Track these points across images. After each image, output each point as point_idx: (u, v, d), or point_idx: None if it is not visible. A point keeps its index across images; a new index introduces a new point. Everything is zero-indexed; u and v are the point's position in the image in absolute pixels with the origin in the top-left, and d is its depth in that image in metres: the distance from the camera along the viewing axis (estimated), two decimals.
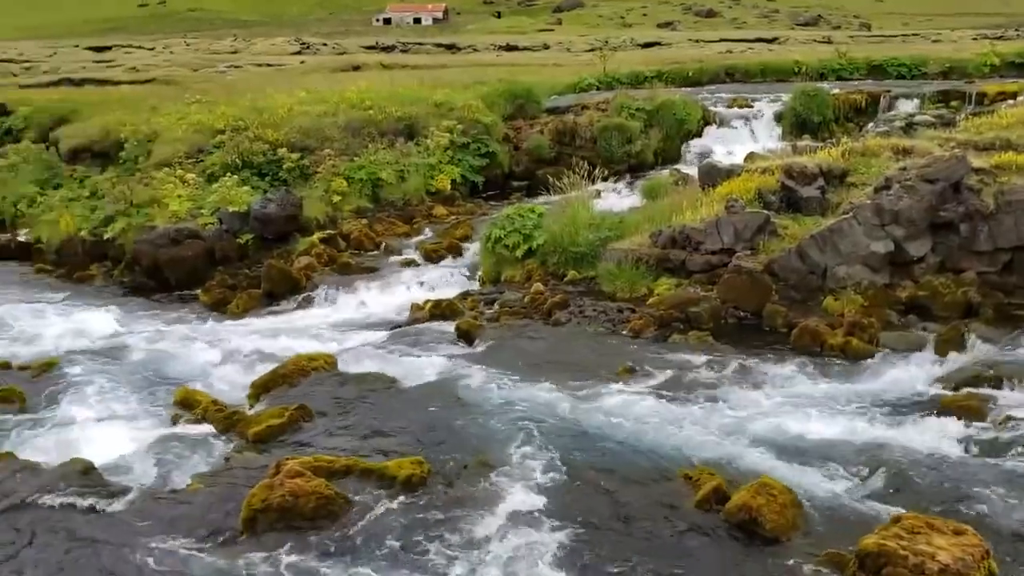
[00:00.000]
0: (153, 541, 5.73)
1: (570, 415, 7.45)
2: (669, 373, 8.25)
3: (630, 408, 7.54)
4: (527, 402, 7.71)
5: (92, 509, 6.11)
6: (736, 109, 18.96)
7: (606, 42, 46.07)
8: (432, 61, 34.75)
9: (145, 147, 16.67)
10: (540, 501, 6.17)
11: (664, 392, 7.86)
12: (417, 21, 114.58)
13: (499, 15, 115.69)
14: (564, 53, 42.08)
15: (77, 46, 68.43)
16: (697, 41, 48.22)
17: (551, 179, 13.16)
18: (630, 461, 6.67)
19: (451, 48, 53.41)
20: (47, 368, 9.33)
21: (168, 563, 5.50)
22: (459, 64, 31.30)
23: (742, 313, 9.60)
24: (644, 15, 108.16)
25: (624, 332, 9.40)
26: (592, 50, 38.85)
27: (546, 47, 50.92)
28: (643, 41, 49.01)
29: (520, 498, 6.21)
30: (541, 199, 13.63)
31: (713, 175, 11.78)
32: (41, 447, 7.37)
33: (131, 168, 16.12)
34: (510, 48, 50.83)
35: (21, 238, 15.64)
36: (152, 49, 61.91)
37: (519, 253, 11.31)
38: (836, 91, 18.83)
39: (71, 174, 17.35)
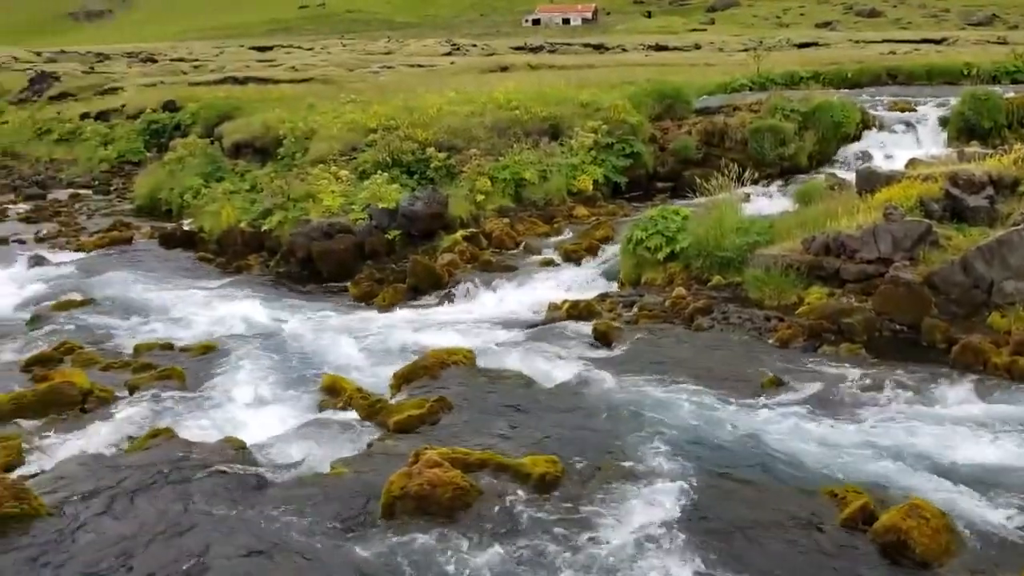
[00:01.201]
0: (298, 520, 5.95)
1: (710, 424, 7.26)
2: (817, 386, 7.91)
3: (773, 420, 7.27)
4: (665, 408, 7.56)
5: (243, 486, 6.39)
6: (898, 113, 18.07)
7: (760, 42, 44.83)
8: (579, 61, 34.77)
9: (302, 144, 17.40)
10: (675, 509, 6.03)
11: (811, 405, 7.54)
12: (566, 22, 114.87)
13: (649, 15, 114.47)
14: (716, 53, 41.28)
15: (242, 46, 72.32)
16: (857, 42, 46.32)
17: (698, 181, 12.89)
18: (771, 474, 6.44)
19: (599, 48, 53.31)
20: (206, 350, 9.86)
21: (312, 542, 5.69)
22: (607, 64, 31.20)
23: (898, 326, 9.11)
24: (802, 15, 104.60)
25: (770, 341, 9.09)
26: (746, 50, 37.88)
27: (697, 47, 50.09)
28: (800, 41, 47.48)
29: (654, 505, 6.10)
30: (686, 201, 13.39)
31: (871, 181, 11.26)
32: (198, 424, 7.79)
33: (289, 164, 16.87)
34: (660, 48, 50.26)
35: (186, 227, 16.60)
36: (311, 49, 64.70)
37: (661, 256, 11.12)
38: (1010, 95, 17.63)
39: (233, 168, 18.33)
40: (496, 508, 6.07)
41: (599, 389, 8.03)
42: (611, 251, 12.51)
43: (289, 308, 11.80)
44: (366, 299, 12.02)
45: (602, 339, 9.34)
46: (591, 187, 15.87)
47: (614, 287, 11.50)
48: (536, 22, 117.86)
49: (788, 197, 14.24)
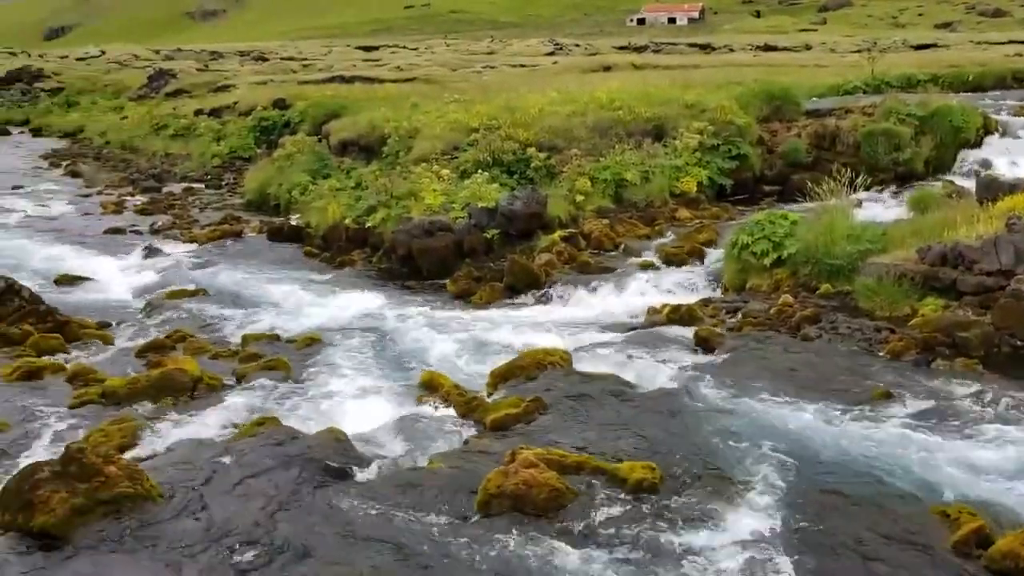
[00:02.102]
0: (396, 511, 6.03)
1: (815, 436, 7.03)
2: (929, 401, 7.58)
3: (882, 435, 6.99)
4: (768, 418, 7.37)
5: (343, 476, 6.51)
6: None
7: (875, 43, 43.37)
8: (685, 61, 34.31)
9: (406, 143, 17.66)
10: (775, 522, 5.87)
11: (922, 421, 7.22)
12: (672, 21, 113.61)
13: (758, 14, 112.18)
14: (828, 54, 40.14)
15: (349, 45, 74.02)
16: (980, 43, 44.31)
17: (807, 185, 12.53)
18: (878, 491, 6.19)
19: (705, 48, 52.53)
20: (310, 342, 10.10)
21: (409, 533, 5.76)
22: (713, 64, 30.69)
23: (1019, 342, 8.64)
24: (920, 15, 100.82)
25: (881, 353, 8.75)
26: (859, 51, 36.69)
27: (808, 48, 48.83)
28: (917, 42, 45.75)
29: (753, 516, 5.95)
30: (794, 206, 13.03)
31: (993, 189, 10.73)
32: (302, 414, 7.98)
33: (393, 162, 17.14)
34: (768, 48, 49.19)
35: (293, 222, 17.04)
36: (415, 49, 65.77)
37: (767, 261, 10.84)
38: None
39: (339, 165, 18.73)
40: (591, 512, 6.02)
41: (700, 396, 7.87)
42: (715, 255, 12.27)
43: (389, 303, 11.98)
44: (464, 297, 12.10)
45: (704, 345, 9.16)
46: (695, 189, 15.60)
47: (717, 292, 11.27)
48: (641, 21, 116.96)
49: (902, 204, 13.72)
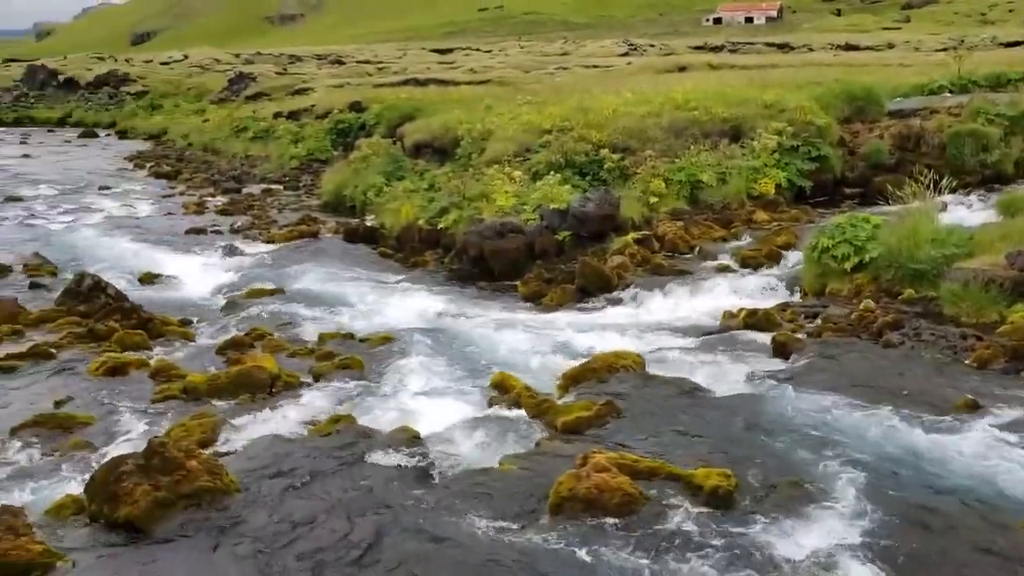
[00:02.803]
0: (467, 511, 6.04)
1: (896, 446, 6.81)
2: (1018, 411, 7.26)
3: (968, 446, 6.73)
4: (848, 426, 7.16)
5: (416, 475, 6.56)
6: None
7: (961, 41, 41.97)
8: (762, 61, 33.72)
9: (479, 144, 17.74)
10: (854, 535, 5.70)
11: (1010, 432, 6.92)
12: (749, 20, 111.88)
13: (839, 13, 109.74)
14: (912, 53, 39.04)
15: (423, 48, 74.78)
16: None
17: (889, 187, 12.17)
18: (963, 504, 5.96)
19: (783, 47, 51.60)
20: (383, 341, 10.20)
21: (479, 534, 5.77)
22: (791, 64, 30.10)
23: None
24: (1010, 11, 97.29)
25: (967, 361, 8.43)
26: (945, 49, 35.55)
27: (891, 46, 47.58)
28: (1008, 40, 44.11)
29: (833, 528, 5.78)
30: (876, 209, 12.67)
31: None
32: (375, 413, 8.06)
33: (465, 164, 17.24)
34: (849, 47, 48.08)
35: (368, 223, 17.27)
36: (489, 51, 66.08)
37: (848, 266, 10.56)
38: None
39: (413, 167, 18.92)
40: (664, 518, 5.93)
41: (777, 403, 7.70)
42: (793, 259, 12.00)
43: (461, 304, 12.04)
44: (535, 298, 12.08)
45: (781, 351, 8.96)
46: (773, 191, 15.27)
47: (795, 297, 11.01)
48: (717, 21, 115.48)
49: (990, 207, 13.22)
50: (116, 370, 9.29)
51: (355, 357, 9.47)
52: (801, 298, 10.91)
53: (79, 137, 44.55)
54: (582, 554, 5.56)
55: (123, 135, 45.90)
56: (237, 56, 71.95)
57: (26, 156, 35.10)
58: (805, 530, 5.78)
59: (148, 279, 14.03)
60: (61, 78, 60.89)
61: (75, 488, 6.55)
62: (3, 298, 11.63)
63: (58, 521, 6.10)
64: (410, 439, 7.07)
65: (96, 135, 45.91)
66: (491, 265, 13.37)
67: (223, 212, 20.46)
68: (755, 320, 9.85)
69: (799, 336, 9.29)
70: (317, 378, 9.01)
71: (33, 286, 13.45)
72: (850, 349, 8.89)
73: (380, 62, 58.06)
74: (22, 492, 6.66)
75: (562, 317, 11.13)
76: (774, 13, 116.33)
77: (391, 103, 26.13)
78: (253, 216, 19.62)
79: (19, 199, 23.27)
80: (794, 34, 79.12)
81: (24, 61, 76.43)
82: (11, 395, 8.86)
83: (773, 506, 6.05)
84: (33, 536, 5.52)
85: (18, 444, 7.56)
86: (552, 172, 14.96)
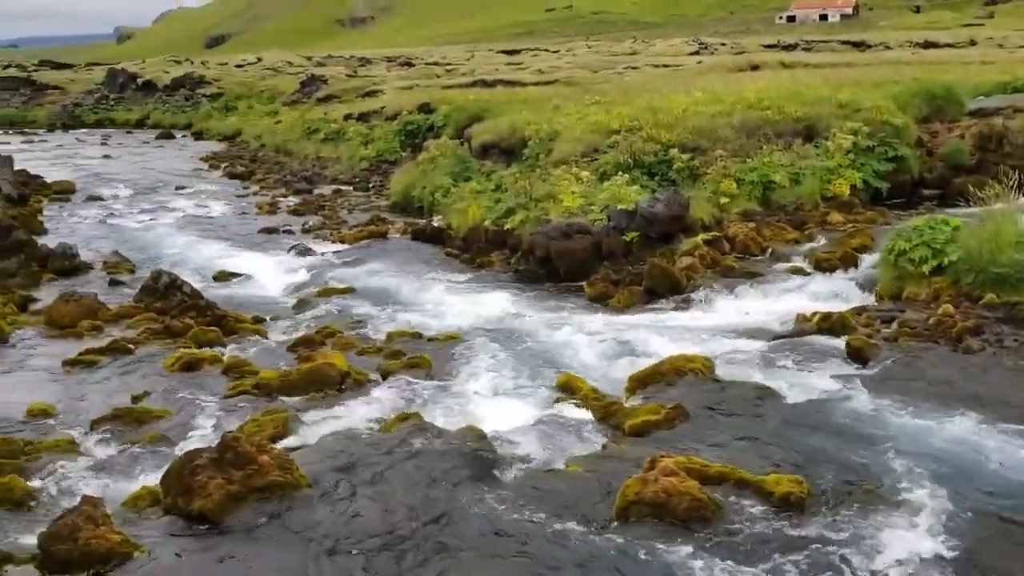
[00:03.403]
0: (533, 512, 6.03)
1: (976, 454, 6.58)
2: None
3: None
4: (926, 434, 6.95)
5: (483, 475, 6.56)
6: None
7: None
8: (837, 59, 32.98)
9: (546, 145, 17.69)
10: (932, 545, 5.53)
11: None
12: (823, 18, 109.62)
13: (918, 9, 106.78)
14: (995, 50, 37.74)
15: (491, 49, 75.09)
16: None
17: (970, 189, 11.76)
18: None
19: (859, 45, 50.43)
20: (450, 341, 10.26)
21: (545, 535, 5.75)
22: (868, 62, 29.37)
23: None
24: None
25: None
26: None
27: (972, 43, 46.09)
28: None
29: (911, 540, 5.61)
30: (956, 210, 12.27)
31: None
32: (442, 411, 8.11)
33: (532, 164, 17.20)
34: (928, 45, 46.72)
35: (435, 224, 17.39)
36: (556, 52, 66.00)
37: (926, 269, 10.24)
38: None
39: (480, 168, 18.97)
40: (734, 525, 5.83)
41: (851, 409, 7.51)
42: (869, 261, 11.67)
43: (527, 305, 12.04)
44: (601, 300, 12.01)
45: (856, 356, 8.73)
46: (848, 192, 14.89)
47: (871, 300, 10.71)
48: (791, 19, 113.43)
49: None
50: (191, 366, 9.52)
51: (423, 356, 9.54)
52: (877, 302, 10.62)
53: (156, 138, 45.86)
54: (648, 559, 5.50)
55: (199, 136, 47.10)
56: (309, 58, 73.30)
57: (106, 157, 36.26)
58: (879, 539, 5.62)
59: (222, 277, 14.36)
60: (140, 81, 62.78)
61: (151, 480, 6.73)
62: (84, 295, 12.02)
63: (135, 512, 6.28)
64: (476, 438, 7.08)
65: (173, 136, 47.21)
66: (557, 266, 13.32)
67: (295, 212, 20.83)
68: (829, 324, 9.62)
69: (875, 341, 9.04)
70: (385, 376, 9.10)
71: (112, 283, 13.88)
72: (928, 355, 8.62)
73: (449, 64, 58.49)
74: (101, 483, 6.87)
75: (629, 319, 11.04)
76: (849, 10, 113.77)
77: (459, 104, 26.25)
78: (324, 216, 19.93)
79: (99, 198, 24.05)
80: (870, 32, 77.22)
81: (105, 64, 79.06)
82: (91, 389, 9.15)
83: (846, 514, 5.91)
84: (112, 526, 5.68)
85: (98, 436, 7.81)
86: (620, 172, 14.84)
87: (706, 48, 60.13)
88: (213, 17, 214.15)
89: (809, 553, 5.50)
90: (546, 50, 70.18)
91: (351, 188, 24.43)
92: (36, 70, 73.34)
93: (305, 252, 16.03)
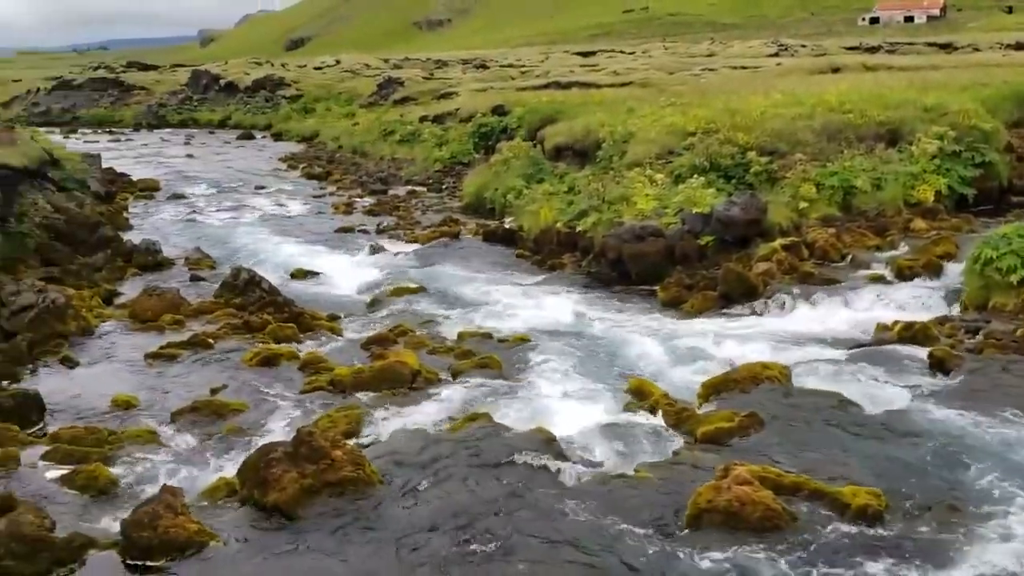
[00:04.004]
0: (601, 518, 5.99)
1: None
2: None
3: None
4: (1011, 449, 6.70)
5: (550, 477, 6.55)
6: None
7: None
8: (923, 62, 32.00)
9: (620, 147, 17.56)
10: (1017, 564, 5.31)
11: None
12: (909, 19, 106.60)
13: (1010, 10, 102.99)
14: None
15: (566, 51, 74.96)
16: None
17: None
18: None
19: (947, 47, 48.90)
20: (520, 342, 10.27)
21: (613, 541, 5.71)
22: (955, 65, 28.43)
23: None
24: None
25: None
26: None
27: None
28: None
29: (990, 555, 5.44)
30: None
31: None
32: (511, 412, 8.11)
33: (606, 167, 17.10)
34: (1020, 47, 44.99)
35: (507, 225, 17.44)
36: (632, 53, 65.54)
37: (1014, 279, 9.85)
38: None
39: (553, 170, 18.94)
40: (808, 536, 5.71)
41: (932, 422, 7.27)
42: (953, 270, 11.27)
43: (598, 307, 11.97)
44: (674, 304, 11.87)
45: (939, 367, 8.44)
46: (932, 198, 14.40)
47: (955, 310, 10.35)
48: (874, 20, 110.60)
49: None
50: (268, 361, 9.73)
51: (493, 356, 9.57)
52: (961, 312, 10.26)
53: (237, 139, 46.99)
54: (719, 568, 5.43)
55: (278, 137, 48.08)
56: (386, 61, 74.23)
57: (189, 156, 37.33)
58: (960, 557, 5.45)
59: (299, 275, 14.64)
60: (222, 82, 64.37)
61: (228, 472, 6.90)
62: (166, 290, 12.39)
63: (212, 502, 6.44)
64: (545, 440, 7.07)
65: (253, 137, 48.32)
66: (630, 269, 13.21)
67: (370, 212, 21.12)
68: (911, 333, 9.34)
69: (958, 352, 8.75)
70: (456, 375, 9.16)
71: (193, 279, 14.28)
72: (1014, 367, 8.30)
73: (523, 65, 58.60)
74: (180, 473, 7.07)
75: (703, 324, 10.89)
76: (937, 11, 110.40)
77: (533, 106, 26.25)
78: (398, 217, 20.16)
79: (182, 196, 24.77)
80: (958, 33, 74.79)
81: (189, 66, 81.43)
82: (172, 381, 9.43)
83: (926, 530, 5.74)
84: (190, 516, 5.84)
85: (178, 428, 8.04)
86: (695, 175, 14.65)
87: (786, 50, 58.99)
88: (294, 20, 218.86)
89: (886, 569, 5.35)
90: (622, 52, 69.73)
91: (425, 189, 24.66)
92: (124, 71, 75.92)
93: (379, 251, 16.24)
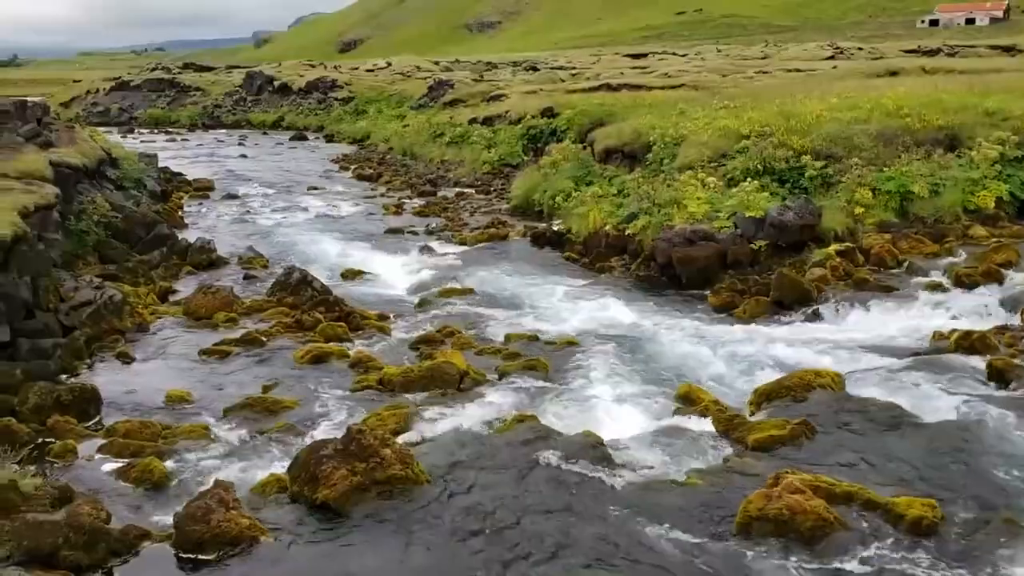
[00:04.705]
0: (649, 524, 5.94)
1: None
2: None
3: None
4: None
5: (598, 482, 6.52)
6: None
7: None
8: (984, 65, 31.23)
9: (671, 150, 17.42)
10: None
11: None
12: (970, 22, 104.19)
13: None
14: None
15: (617, 54, 74.65)
16: None
17: None
18: None
19: (1010, 51, 47.71)
20: (568, 345, 10.24)
21: (661, 547, 5.66)
22: (1018, 68, 27.69)
23: None
24: None
25: None
26: None
27: None
28: None
29: None
30: None
31: None
32: (558, 415, 8.10)
33: (656, 169, 16.99)
34: None
35: (555, 227, 17.41)
36: (684, 56, 65.06)
37: None
38: None
39: (602, 173, 18.88)
40: (861, 547, 5.61)
41: (990, 432, 7.09)
42: (1015, 278, 10.97)
43: (647, 311, 11.89)
44: (726, 309, 11.73)
45: (998, 377, 8.23)
46: (993, 204, 14.02)
47: (1015, 320, 10.08)
48: (934, 23, 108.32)
49: None
50: (319, 359, 9.83)
51: (540, 359, 9.56)
52: (1022, 321, 10.00)
53: (290, 140, 47.64)
54: None
55: (330, 138, 48.63)
56: (436, 63, 74.59)
57: (243, 156, 37.92)
58: (1016, 572, 5.29)
59: (350, 275, 14.77)
60: (276, 84, 65.27)
61: (279, 468, 6.98)
62: (220, 288, 12.59)
63: (263, 498, 6.52)
64: (593, 444, 7.03)
65: (305, 138, 48.93)
66: (680, 273, 13.10)
67: (419, 214, 21.26)
68: (969, 342, 9.11)
69: (1018, 362, 8.51)
70: (503, 377, 9.17)
71: (247, 277, 14.49)
72: None
73: (574, 68, 58.49)
74: (232, 468, 7.17)
75: (755, 330, 10.74)
76: (1000, 13, 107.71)
77: (582, 109, 26.17)
78: (447, 218, 20.25)
79: (236, 196, 25.17)
80: (1022, 36, 72.95)
81: (244, 68, 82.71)
82: (225, 378, 9.57)
83: (982, 542, 5.61)
84: (241, 510, 5.92)
85: (230, 423, 8.16)
86: (749, 179, 14.47)
87: (842, 53, 58.06)
88: (346, 22, 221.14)
89: None
90: (674, 54, 69.26)
91: (473, 191, 24.74)
92: (180, 72, 77.35)
93: (428, 252, 16.32)
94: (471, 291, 13.22)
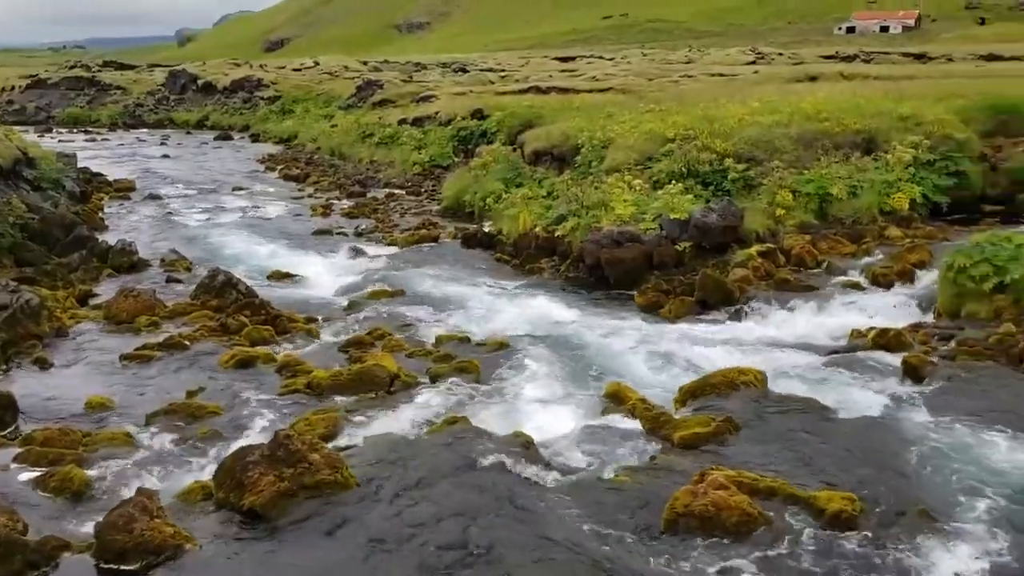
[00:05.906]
0: (579, 522, 6.00)
1: None
2: None
3: None
4: (983, 455, 6.78)
5: (528, 482, 6.55)
6: None
7: None
8: (898, 72, 32.38)
9: (599, 153, 17.64)
10: (986, 570, 5.39)
11: None
12: (884, 30, 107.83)
13: (983, 21, 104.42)
14: None
15: (546, 56, 75.17)
16: None
17: None
18: None
19: (921, 58, 49.51)
20: (499, 346, 10.27)
21: (591, 545, 5.72)
22: (930, 75, 28.77)
23: None
24: None
25: None
26: None
27: None
28: None
29: (963, 562, 5.49)
30: (1020, 227, 11.96)
31: None
32: (489, 416, 8.11)
33: (585, 172, 17.18)
34: (993, 58, 45.61)
35: (486, 229, 17.45)
36: (612, 59, 65.83)
37: (987, 287, 9.99)
38: None
39: (532, 175, 19.00)
40: (783, 541, 5.75)
41: (905, 427, 7.35)
42: (927, 278, 11.42)
43: (576, 312, 12.01)
44: (652, 309, 11.92)
45: (912, 374, 8.54)
46: (907, 206, 14.57)
47: (929, 318, 10.49)
48: (851, 30, 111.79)
49: None
50: (245, 363, 9.67)
51: (471, 360, 9.57)
52: (935, 319, 10.40)
53: (215, 139, 46.69)
54: (696, 572, 5.45)
55: (255, 138, 47.79)
56: (365, 63, 73.99)
57: (166, 156, 37.04)
58: (932, 561, 5.51)
59: (277, 277, 14.56)
60: (200, 82, 63.91)
61: (204, 475, 6.85)
62: (142, 291, 12.28)
63: (188, 505, 6.39)
64: (523, 444, 7.08)
65: (231, 138, 48.01)
66: (608, 274, 13.27)
67: (348, 215, 21.05)
68: (885, 340, 9.44)
69: (932, 359, 8.85)
70: (434, 379, 9.15)
71: (169, 280, 14.17)
72: (987, 374, 8.41)
73: (503, 70, 58.68)
74: (155, 476, 7.01)
75: (680, 329, 10.95)
76: (911, 22, 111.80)
77: (512, 111, 26.30)
78: (376, 220, 20.11)
79: (158, 197, 24.57)
80: (933, 44, 75.77)
81: (167, 66, 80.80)
82: (147, 383, 9.35)
83: (899, 534, 5.79)
84: (165, 518, 5.79)
85: (153, 430, 7.97)
86: (674, 181, 14.74)
87: (763, 58, 59.50)
88: (274, 21, 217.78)
89: (856, 570, 5.40)
90: (601, 57, 70.03)
91: (404, 192, 24.62)
92: (100, 70, 75.17)
93: (358, 254, 16.19)
94: (402, 293, 13.16)
